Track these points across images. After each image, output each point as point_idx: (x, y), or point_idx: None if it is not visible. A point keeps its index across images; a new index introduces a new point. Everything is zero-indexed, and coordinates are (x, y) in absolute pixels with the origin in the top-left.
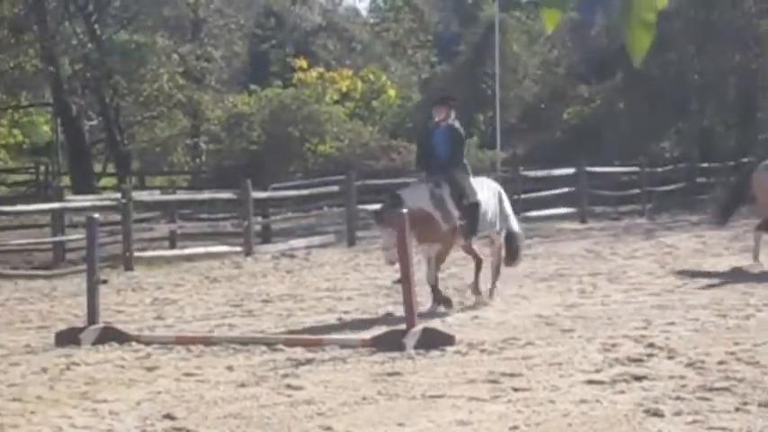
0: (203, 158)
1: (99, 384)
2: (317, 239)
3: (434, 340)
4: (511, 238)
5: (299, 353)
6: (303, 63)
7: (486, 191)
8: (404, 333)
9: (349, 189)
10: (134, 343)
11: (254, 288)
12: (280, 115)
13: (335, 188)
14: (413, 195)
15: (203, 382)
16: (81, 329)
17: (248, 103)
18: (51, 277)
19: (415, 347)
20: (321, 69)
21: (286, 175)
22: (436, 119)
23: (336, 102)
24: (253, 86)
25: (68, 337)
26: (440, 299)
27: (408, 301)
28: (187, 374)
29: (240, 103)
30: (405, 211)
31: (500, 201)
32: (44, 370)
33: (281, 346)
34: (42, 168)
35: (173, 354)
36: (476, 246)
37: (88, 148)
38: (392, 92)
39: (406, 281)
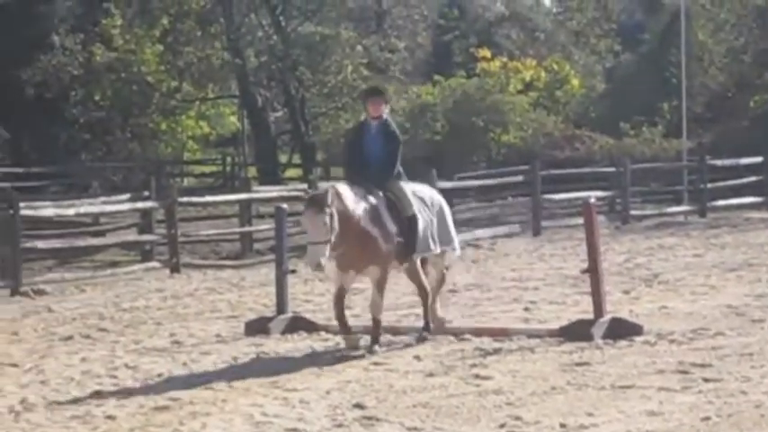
0: None
1: (289, 373)
2: (501, 229)
3: (622, 330)
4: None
5: (487, 342)
6: (486, 53)
7: (427, 201)
8: (592, 323)
9: (534, 179)
10: (323, 332)
11: None
12: (463, 105)
13: (520, 178)
14: (354, 200)
15: (392, 372)
16: (270, 319)
17: (432, 94)
18: (239, 267)
19: (603, 337)
20: (504, 59)
21: (470, 165)
22: (370, 115)
23: (520, 91)
24: (436, 77)
25: (258, 327)
26: (376, 334)
27: (596, 291)
28: (375, 364)
29: (424, 94)
30: (593, 200)
31: (442, 216)
32: (234, 359)
33: (468, 336)
34: (229, 159)
35: (360, 343)
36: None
37: (274, 140)
38: (575, 81)
39: (594, 271)
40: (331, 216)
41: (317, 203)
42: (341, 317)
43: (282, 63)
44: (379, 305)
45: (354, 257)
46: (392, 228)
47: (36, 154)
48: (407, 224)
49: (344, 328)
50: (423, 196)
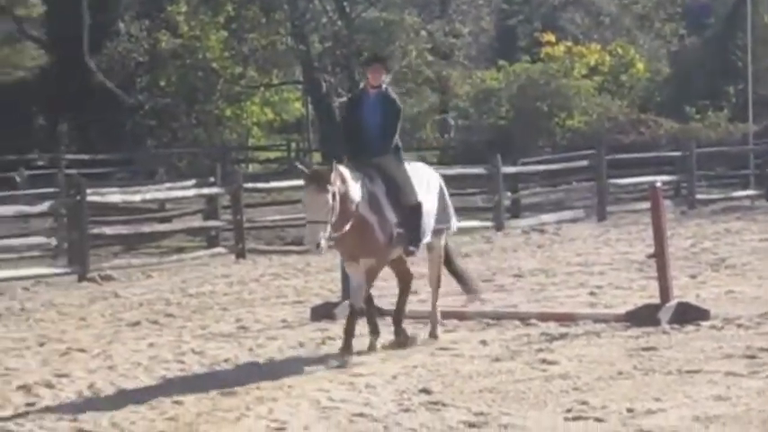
0: (452, 134)
1: (355, 358)
2: (567, 214)
3: (689, 315)
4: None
5: (553, 327)
6: (551, 37)
7: (425, 184)
8: (658, 308)
9: (599, 163)
10: (388, 317)
11: (505, 263)
12: (528, 90)
13: (585, 163)
14: (354, 184)
15: (458, 357)
16: (336, 304)
17: (496, 79)
18: (304, 253)
19: (670, 322)
20: (569, 43)
21: (534, 150)
22: (369, 84)
23: (584, 76)
24: (500, 62)
25: (323, 312)
26: (374, 325)
27: (663, 276)
28: (442, 349)
29: (488, 79)
30: (659, 184)
31: (441, 195)
32: (301, 344)
33: (534, 321)
34: (293, 145)
35: (426, 328)
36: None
37: (338, 125)
38: (640, 65)
39: (660, 255)
40: (333, 195)
41: (319, 180)
42: (362, 307)
43: (347, 49)
44: (361, 294)
45: (351, 245)
46: (391, 218)
47: (102, 141)
48: (410, 213)
49: (368, 316)
50: (422, 178)
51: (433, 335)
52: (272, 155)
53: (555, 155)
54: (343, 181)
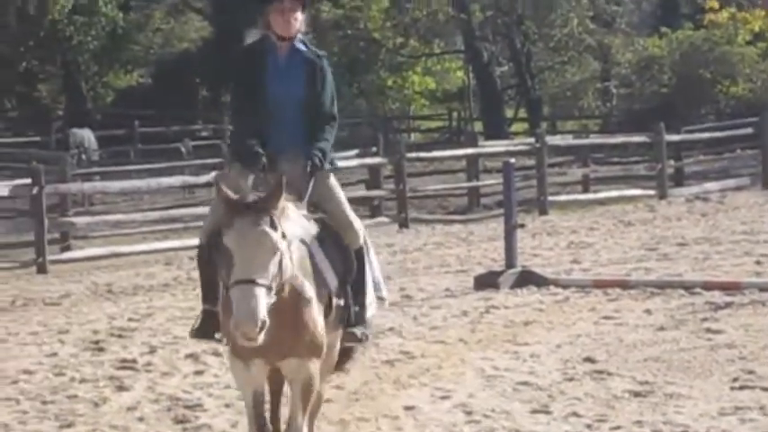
0: (614, 102)
1: (519, 327)
2: (731, 182)
3: None
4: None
5: (718, 296)
6: (714, 4)
7: None
8: None
9: (763, 131)
10: (552, 286)
11: (668, 231)
12: (691, 57)
13: (749, 130)
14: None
15: (622, 326)
16: (499, 273)
17: (659, 46)
18: (467, 222)
19: None
20: (732, 10)
21: (697, 118)
22: (277, 33)
23: (748, 42)
24: (663, 29)
25: (487, 281)
26: None
27: None
28: (605, 318)
29: (651, 46)
30: None
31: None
32: (464, 313)
33: (698, 290)
34: (455, 115)
35: (590, 297)
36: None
37: (500, 94)
38: None
39: None
40: (283, 236)
41: (259, 211)
42: None
43: (508, 17)
44: None
45: (273, 336)
46: (332, 281)
47: None
48: (350, 264)
49: None
50: None
51: None
52: (433, 124)
53: (719, 122)
54: (286, 216)
